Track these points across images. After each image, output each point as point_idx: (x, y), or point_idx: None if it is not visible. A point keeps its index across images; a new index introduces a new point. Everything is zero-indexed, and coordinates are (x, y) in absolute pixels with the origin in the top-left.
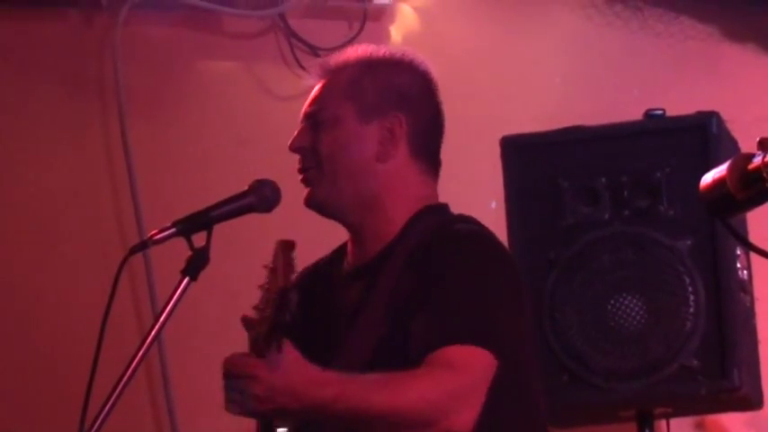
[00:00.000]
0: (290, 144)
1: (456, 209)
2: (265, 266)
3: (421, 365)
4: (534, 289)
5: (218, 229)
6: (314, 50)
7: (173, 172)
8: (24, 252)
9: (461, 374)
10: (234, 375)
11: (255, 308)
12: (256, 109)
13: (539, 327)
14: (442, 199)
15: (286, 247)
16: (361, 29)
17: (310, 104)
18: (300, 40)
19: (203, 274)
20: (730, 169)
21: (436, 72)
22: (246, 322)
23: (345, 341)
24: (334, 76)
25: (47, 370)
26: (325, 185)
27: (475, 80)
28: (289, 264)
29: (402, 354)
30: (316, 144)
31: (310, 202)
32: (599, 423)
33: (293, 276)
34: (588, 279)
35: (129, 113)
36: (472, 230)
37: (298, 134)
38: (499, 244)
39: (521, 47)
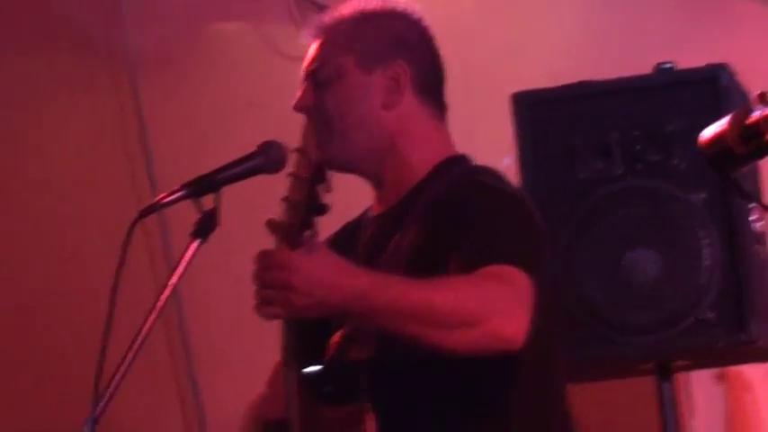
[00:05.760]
0: (295, 104)
1: None
2: (294, 150)
3: None
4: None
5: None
6: (321, 9)
7: (185, 133)
8: (40, 216)
9: (509, 284)
10: (270, 267)
11: (284, 199)
12: (265, 69)
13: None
14: None
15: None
16: None
17: (310, 63)
18: None
19: (221, 233)
20: (730, 123)
21: (446, 28)
22: (272, 224)
23: None
24: (330, 33)
25: (63, 333)
26: (336, 142)
27: (485, 37)
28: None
29: None
30: (320, 102)
31: (323, 161)
32: (618, 377)
33: None
34: (602, 234)
35: (140, 76)
36: (498, 182)
37: (302, 94)
38: (527, 199)
39: (530, 1)
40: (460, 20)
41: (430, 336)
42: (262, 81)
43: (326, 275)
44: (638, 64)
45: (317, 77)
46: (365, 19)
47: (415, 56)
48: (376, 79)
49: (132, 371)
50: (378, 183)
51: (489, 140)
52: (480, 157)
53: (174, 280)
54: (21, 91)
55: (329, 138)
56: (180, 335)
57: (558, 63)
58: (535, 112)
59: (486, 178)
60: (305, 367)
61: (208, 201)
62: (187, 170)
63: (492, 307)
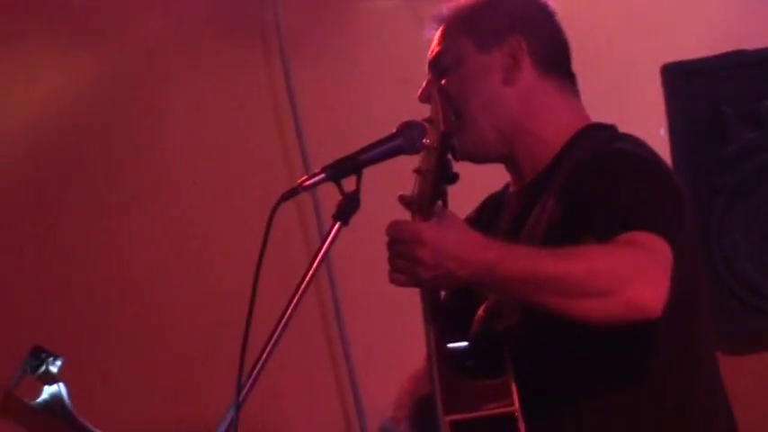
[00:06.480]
0: (419, 95)
1: None
2: (425, 120)
3: None
4: (700, 216)
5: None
6: None
7: (336, 110)
8: (194, 194)
9: (647, 252)
10: (399, 240)
11: (416, 170)
12: (416, 46)
13: (707, 255)
14: None
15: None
16: None
17: (431, 53)
18: None
19: (377, 209)
20: None
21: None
22: (404, 199)
23: None
24: (449, 21)
25: (211, 312)
26: (467, 130)
27: (635, 8)
28: (448, 110)
29: None
30: (446, 90)
31: (459, 154)
32: None
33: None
34: (756, 205)
35: (291, 55)
36: (637, 148)
37: (426, 84)
38: (666, 166)
39: None
40: None
41: (563, 305)
42: (413, 58)
43: (454, 249)
44: None
45: (440, 66)
46: (481, 4)
47: (531, 30)
48: (494, 58)
49: (288, 352)
50: (513, 163)
51: (642, 111)
52: (633, 129)
53: (315, 263)
54: (174, 71)
55: (460, 126)
56: (335, 312)
57: (709, 33)
58: (686, 82)
59: (625, 144)
60: (454, 341)
61: (349, 182)
62: (339, 147)
63: (629, 276)
